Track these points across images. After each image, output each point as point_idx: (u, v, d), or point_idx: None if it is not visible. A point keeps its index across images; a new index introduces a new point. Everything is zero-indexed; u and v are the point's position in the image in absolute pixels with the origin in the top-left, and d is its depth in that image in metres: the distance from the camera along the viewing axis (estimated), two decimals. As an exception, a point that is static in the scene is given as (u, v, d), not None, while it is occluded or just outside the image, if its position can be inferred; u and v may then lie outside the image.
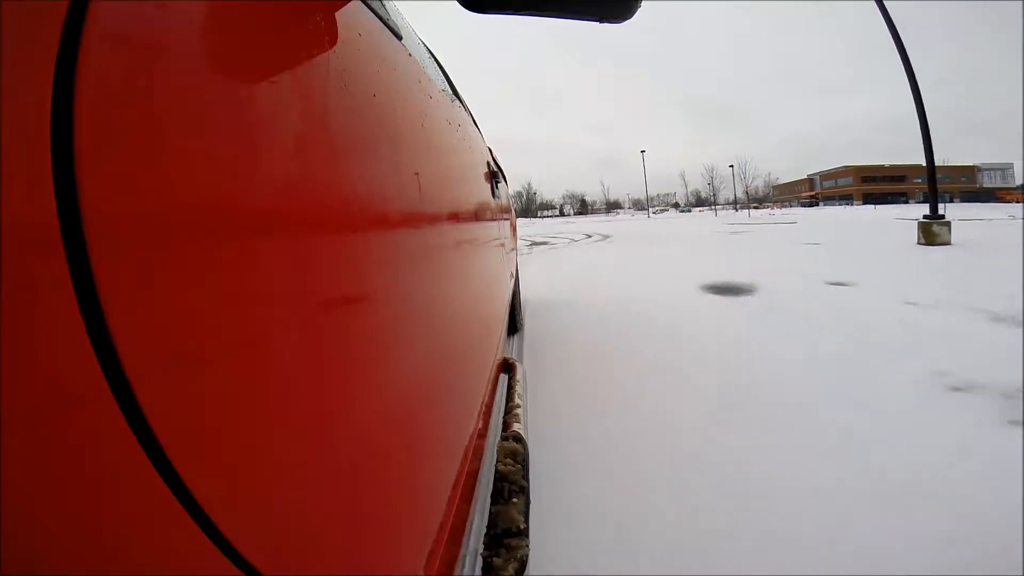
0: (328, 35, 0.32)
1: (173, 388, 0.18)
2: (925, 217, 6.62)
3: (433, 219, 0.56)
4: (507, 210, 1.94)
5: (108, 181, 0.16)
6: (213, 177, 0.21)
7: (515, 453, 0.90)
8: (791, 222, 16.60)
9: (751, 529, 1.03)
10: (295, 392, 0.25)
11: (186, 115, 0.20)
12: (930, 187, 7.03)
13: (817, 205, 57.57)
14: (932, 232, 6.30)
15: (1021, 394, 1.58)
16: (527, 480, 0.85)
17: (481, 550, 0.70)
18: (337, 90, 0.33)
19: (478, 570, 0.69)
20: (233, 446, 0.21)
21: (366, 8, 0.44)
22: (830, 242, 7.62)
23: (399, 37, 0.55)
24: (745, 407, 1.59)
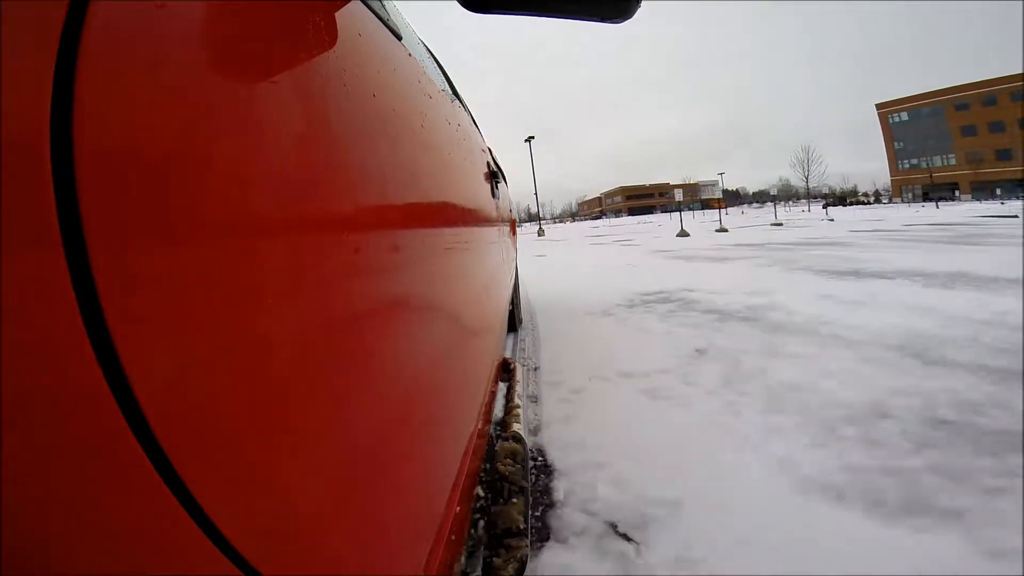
0: (328, 35, 0.32)
1: (173, 388, 0.18)
2: (540, 226, 23.25)
3: (433, 219, 0.56)
4: (507, 210, 1.94)
5: (108, 181, 0.16)
6: (213, 177, 0.21)
7: (515, 453, 0.90)
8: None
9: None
10: (295, 392, 0.25)
11: (186, 115, 0.20)
12: (539, 214, 31.86)
13: (600, 219, 76.82)
14: (540, 231, 21.26)
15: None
16: (527, 480, 0.85)
17: (481, 550, 0.70)
18: (337, 90, 0.33)
19: (478, 570, 0.69)
20: (233, 446, 0.21)
21: (366, 8, 0.44)
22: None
23: (399, 37, 0.55)
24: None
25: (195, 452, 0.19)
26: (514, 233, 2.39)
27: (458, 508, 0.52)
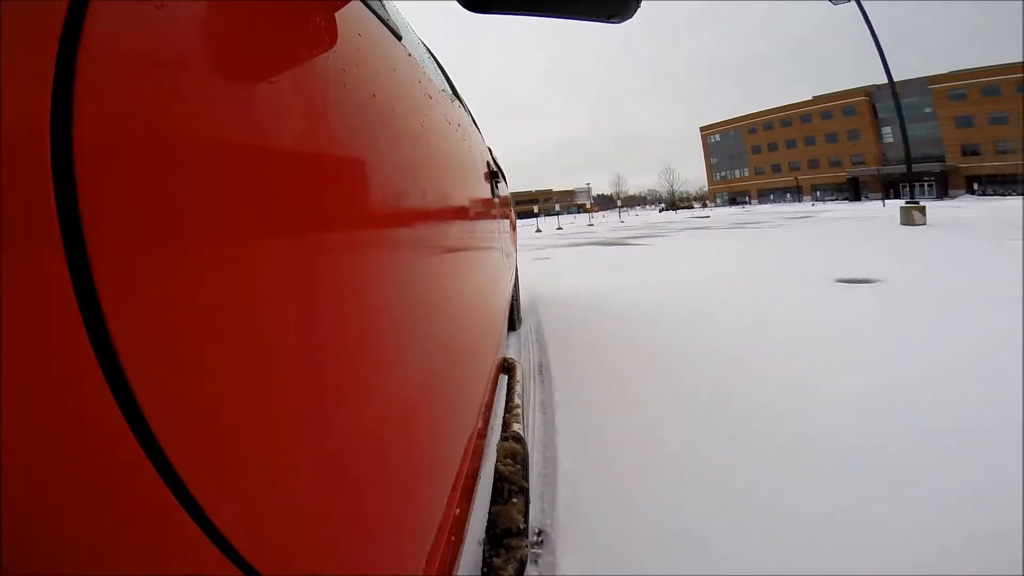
0: (328, 35, 0.32)
1: (173, 388, 0.18)
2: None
3: (433, 219, 0.56)
4: (507, 209, 1.94)
5: (107, 181, 0.16)
6: (212, 177, 0.21)
7: (515, 453, 0.90)
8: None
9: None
10: (295, 392, 0.25)
11: (185, 115, 0.20)
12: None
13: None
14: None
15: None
16: (527, 480, 0.85)
17: (481, 550, 0.70)
18: (337, 90, 0.33)
19: (478, 570, 0.69)
20: (233, 446, 0.21)
21: (366, 8, 0.44)
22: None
23: (399, 37, 0.55)
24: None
25: (195, 452, 0.19)
26: (514, 232, 2.39)
27: (458, 508, 0.52)
